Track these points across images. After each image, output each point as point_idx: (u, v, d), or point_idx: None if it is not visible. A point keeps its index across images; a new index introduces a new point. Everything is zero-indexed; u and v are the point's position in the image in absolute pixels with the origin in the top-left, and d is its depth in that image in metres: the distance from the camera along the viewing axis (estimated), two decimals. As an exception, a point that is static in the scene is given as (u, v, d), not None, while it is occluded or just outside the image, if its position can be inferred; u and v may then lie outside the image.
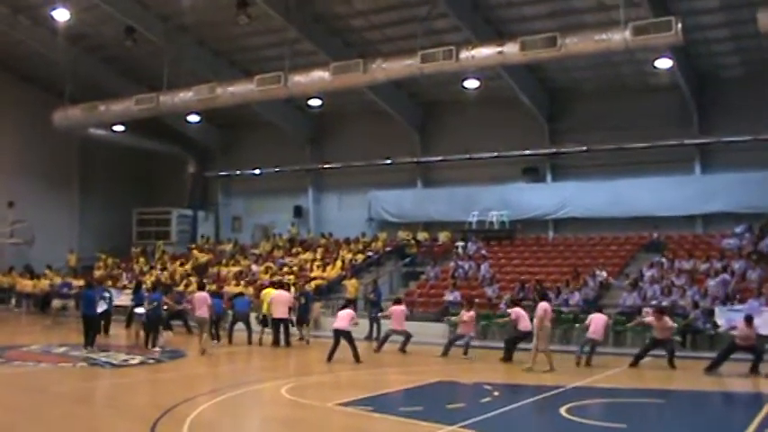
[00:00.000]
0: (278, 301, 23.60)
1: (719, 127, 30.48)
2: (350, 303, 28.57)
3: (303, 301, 26.87)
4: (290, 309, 23.98)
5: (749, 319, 18.68)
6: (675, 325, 20.51)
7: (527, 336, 19.95)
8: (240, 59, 35.29)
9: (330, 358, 19.53)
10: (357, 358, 19.49)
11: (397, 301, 23.97)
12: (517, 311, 20.41)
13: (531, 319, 19.58)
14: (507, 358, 20.14)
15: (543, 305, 19.15)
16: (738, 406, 15.31)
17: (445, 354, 21.28)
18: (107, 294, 24.82)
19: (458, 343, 21.56)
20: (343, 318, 20.14)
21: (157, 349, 20.95)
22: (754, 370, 18.11)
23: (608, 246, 31.39)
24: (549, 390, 15.36)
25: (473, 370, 19.02)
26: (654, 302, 24.32)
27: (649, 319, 20.16)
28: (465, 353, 21.03)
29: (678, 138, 31.09)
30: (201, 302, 21.50)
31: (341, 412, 12.71)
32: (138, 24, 30.85)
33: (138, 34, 31.01)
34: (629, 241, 31.36)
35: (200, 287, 23.74)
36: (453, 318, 23.82)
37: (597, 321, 20.00)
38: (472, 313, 21.85)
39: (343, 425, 12.11)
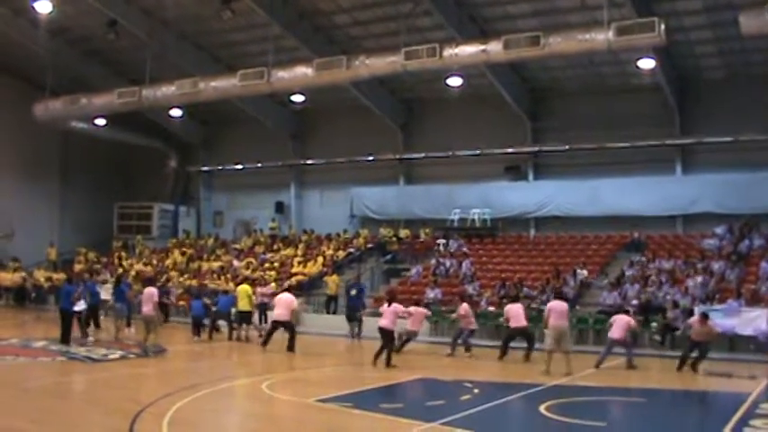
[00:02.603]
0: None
1: (701, 128, 30.64)
2: (335, 297, 28.67)
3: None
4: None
5: None
6: (719, 330, 19.92)
7: (520, 333, 20.00)
8: (223, 55, 35.14)
9: (379, 359, 18.30)
10: (389, 362, 18.20)
11: (426, 305, 23.82)
12: (509, 308, 20.42)
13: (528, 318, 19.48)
14: (501, 356, 20.11)
15: (550, 304, 18.63)
16: (718, 405, 15.38)
17: (452, 353, 21.03)
18: (97, 289, 24.69)
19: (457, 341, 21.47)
20: (388, 314, 18.64)
21: (91, 339, 21.23)
22: None
23: (589, 245, 31.51)
24: (528, 387, 15.40)
25: (454, 367, 19.03)
26: (634, 302, 24.41)
27: (692, 320, 19.42)
28: (467, 350, 20.90)
29: (660, 138, 31.25)
30: (148, 299, 20.63)
31: (320, 408, 12.69)
32: (121, 17, 30.64)
33: (120, 27, 30.87)
34: (609, 240, 31.48)
35: (149, 282, 23.01)
36: (453, 314, 23.80)
37: (618, 322, 19.35)
38: (466, 305, 21.73)
39: (322, 421, 12.08)
